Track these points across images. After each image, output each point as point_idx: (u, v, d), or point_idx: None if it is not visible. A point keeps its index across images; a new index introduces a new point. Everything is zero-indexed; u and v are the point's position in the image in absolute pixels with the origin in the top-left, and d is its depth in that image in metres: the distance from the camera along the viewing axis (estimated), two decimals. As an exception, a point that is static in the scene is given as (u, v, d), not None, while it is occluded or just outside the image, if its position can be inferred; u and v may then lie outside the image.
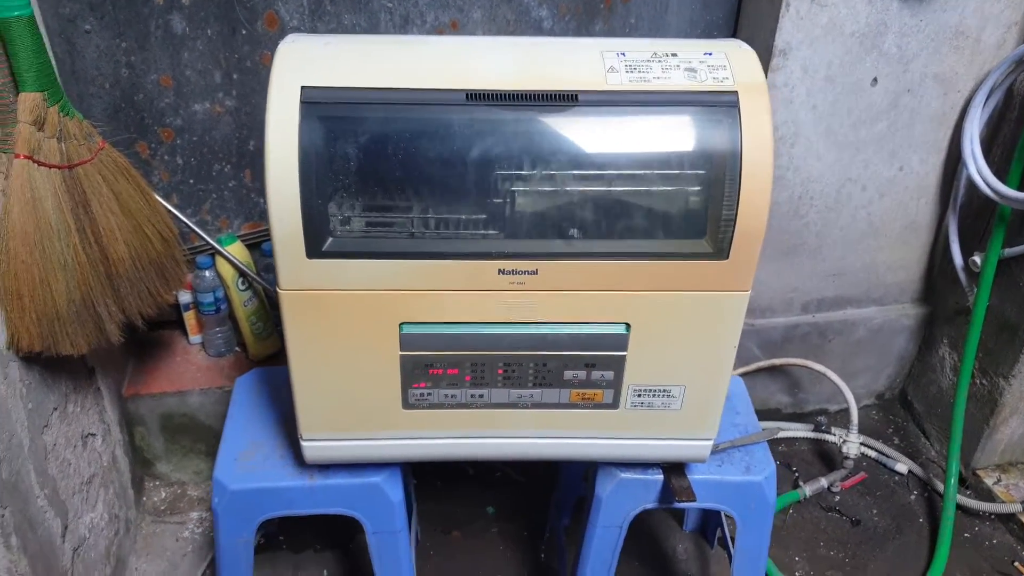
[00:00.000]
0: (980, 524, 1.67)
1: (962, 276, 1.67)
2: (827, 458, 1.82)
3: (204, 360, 1.46)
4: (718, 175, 0.90)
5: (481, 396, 0.99)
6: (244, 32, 1.35)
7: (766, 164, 0.88)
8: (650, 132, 0.90)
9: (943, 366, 1.81)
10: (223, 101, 1.40)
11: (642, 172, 0.91)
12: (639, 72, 0.89)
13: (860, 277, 1.74)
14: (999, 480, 1.72)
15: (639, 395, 1.01)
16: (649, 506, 1.13)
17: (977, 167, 1.54)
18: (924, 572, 1.55)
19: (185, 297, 1.43)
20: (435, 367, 0.97)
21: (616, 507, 1.12)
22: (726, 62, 0.91)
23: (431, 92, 0.87)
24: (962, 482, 1.73)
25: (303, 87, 0.85)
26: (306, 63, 0.87)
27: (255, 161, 1.45)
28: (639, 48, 0.92)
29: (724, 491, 1.14)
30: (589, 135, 0.90)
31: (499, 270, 0.91)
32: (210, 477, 1.48)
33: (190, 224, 1.33)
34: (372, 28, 1.38)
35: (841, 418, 1.88)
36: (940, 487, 1.70)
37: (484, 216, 0.91)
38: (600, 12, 1.45)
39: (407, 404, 0.98)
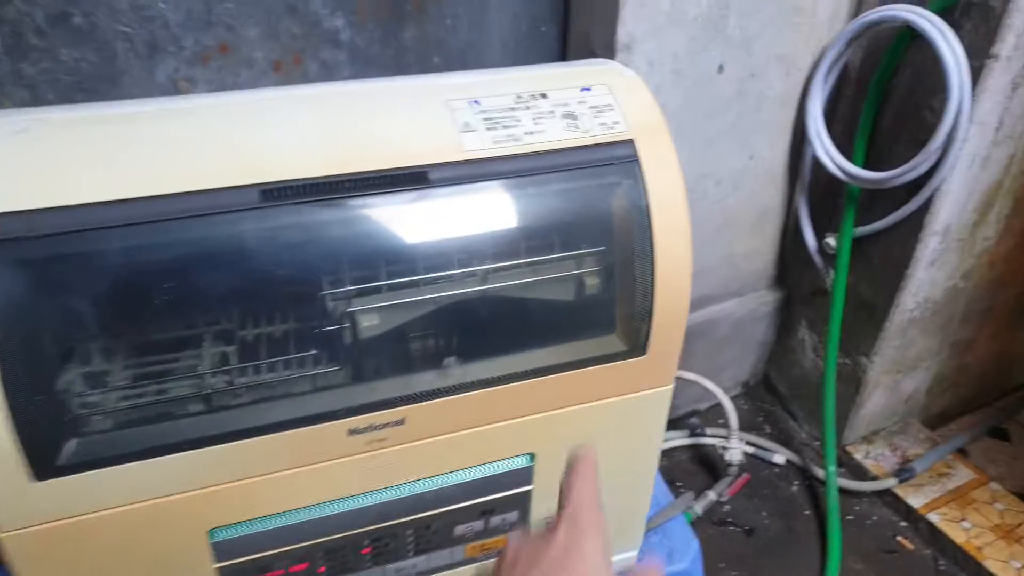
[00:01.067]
0: (859, 503, 1.65)
1: (817, 258, 1.61)
2: (708, 462, 1.72)
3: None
4: (624, 252, 0.68)
5: (347, 591, 0.71)
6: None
7: (682, 228, 0.68)
8: (529, 210, 0.66)
9: (803, 348, 1.76)
10: None
11: (525, 262, 0.67)
12: (504, 127, 0.64)
13: (719, 272, 1.63)
14: (867, 453, 1.71)
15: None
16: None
17: (824, 147, 1.45)
18: (822, 569, 1.50)
19: None
20: (273, 567, 0.68)
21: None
22: (611, 99, 0.68)
23: (205, 195, 0.56)
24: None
25: (-17, 218, 0.51)
26: (-17, 172, 0.53)
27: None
28: (497, 89, 0.67)
29: (651, 592, 0.95)
30: (449, 225, 0.64)
31: (349, 431, 0.63)
32: None
33: None
34: (106, 64, 1.00)
35: (713, 414, 1.80)
36: (817, 472, 1.66)
37: (316, 359, 0.63)
38: (409, 15, 1.17)
39: (242, 627, 0.68)
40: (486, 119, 0.64)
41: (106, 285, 0.56)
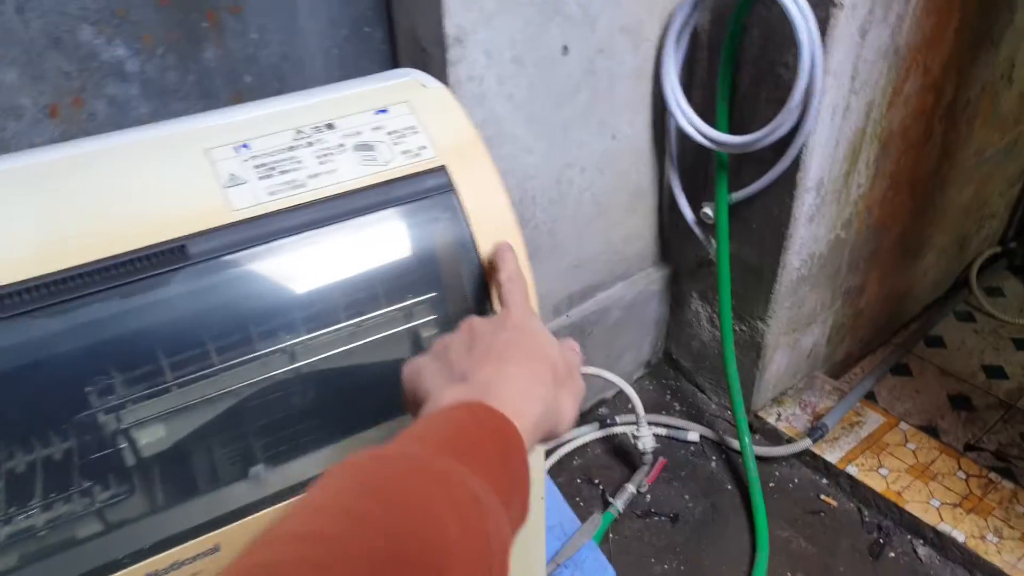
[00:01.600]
0: (779, 467, 1.63)
1: (696, 230, 1.55)
2: (622, 452, 1.66)
3: None
4: (457, 293, 0.58)
5: None
6: None
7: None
8: (333, 267, 0.55)
9: (699, 320, 1.72)
10: None
11: (342, 327, 0.56)
12: (281, 173, 0.53)
13: (601, 260, 1.56)
14: (779, 416, 1.69)
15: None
16: None
17: (686, 117, 1.39)
18: (752, 544, 1.46)
19: None
20: None
21: None
22: (414, 119, 0.57)
23: None
24: (750, 429, 1.68)
25: None
26: None
27: None
28: (270, 126, 0.55)
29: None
30: (229, 303, 0.52)
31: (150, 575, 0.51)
32: None
33: None
34: None
35: (622, 400, 1.74)
36: (732, 443, 1.63)
37: (91, 491, 0.50)
38: (206, 35, 1.02)
39: None
40: (258, 166, 0.52)
41: None
